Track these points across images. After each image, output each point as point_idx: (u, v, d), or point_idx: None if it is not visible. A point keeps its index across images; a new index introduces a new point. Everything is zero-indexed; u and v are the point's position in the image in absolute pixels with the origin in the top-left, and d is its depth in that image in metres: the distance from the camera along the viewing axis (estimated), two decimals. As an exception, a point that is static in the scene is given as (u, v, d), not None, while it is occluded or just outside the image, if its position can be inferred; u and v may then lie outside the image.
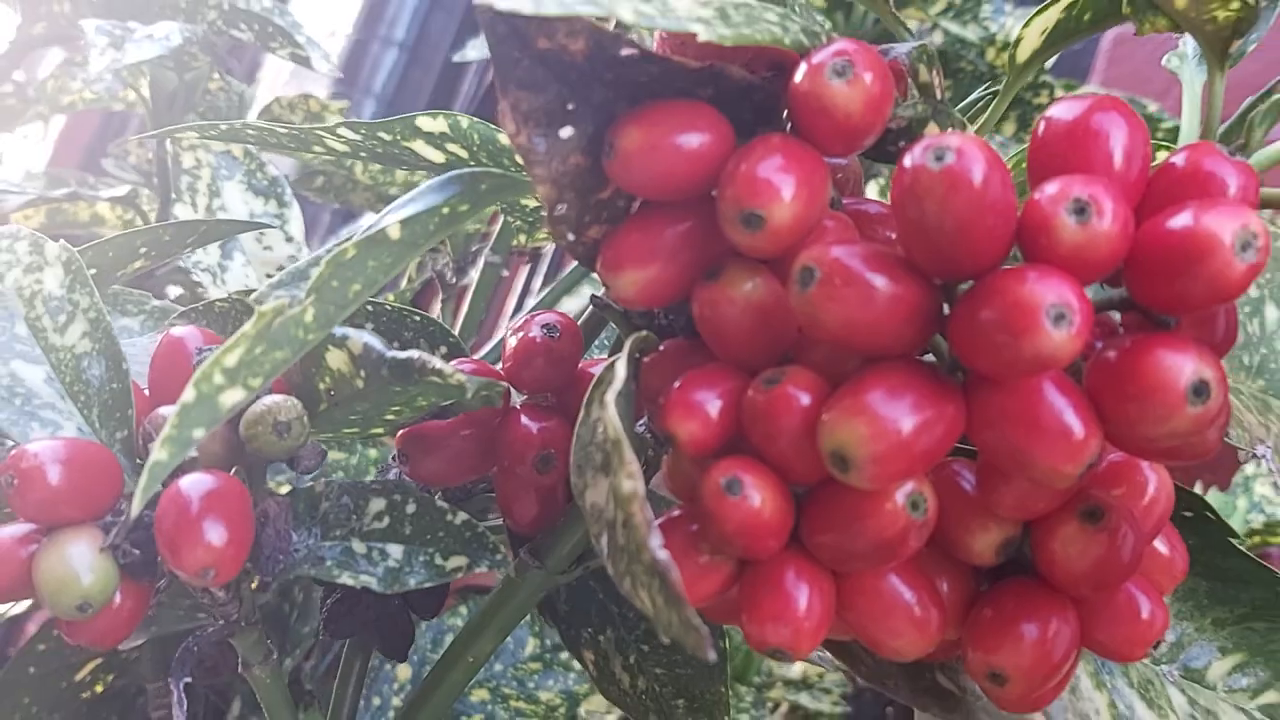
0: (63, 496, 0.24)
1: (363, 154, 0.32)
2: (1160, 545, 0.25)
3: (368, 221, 0.71)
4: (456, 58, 0.77)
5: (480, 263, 0.59)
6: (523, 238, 0.55)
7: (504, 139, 0.31)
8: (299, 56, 0.51)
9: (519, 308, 0.95)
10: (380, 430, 0.30)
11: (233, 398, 0.22)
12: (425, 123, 0.30)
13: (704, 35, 0.19)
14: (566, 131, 0.22)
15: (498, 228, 0.59)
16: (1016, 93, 0.48)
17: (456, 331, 0.59)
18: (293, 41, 0.50)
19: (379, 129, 0.30)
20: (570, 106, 0.22)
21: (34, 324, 0.28)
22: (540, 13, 0.18)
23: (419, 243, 0.24)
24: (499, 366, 0.30)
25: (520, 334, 0.29)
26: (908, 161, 0.19)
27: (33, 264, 0.28)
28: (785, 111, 0.23)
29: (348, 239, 0.23)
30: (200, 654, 0.27)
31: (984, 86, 0.28)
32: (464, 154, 0.31)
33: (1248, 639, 0.29)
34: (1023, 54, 0.26)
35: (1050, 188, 0.19)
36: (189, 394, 0.21)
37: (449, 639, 0.65)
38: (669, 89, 0.22)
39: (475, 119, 0.31)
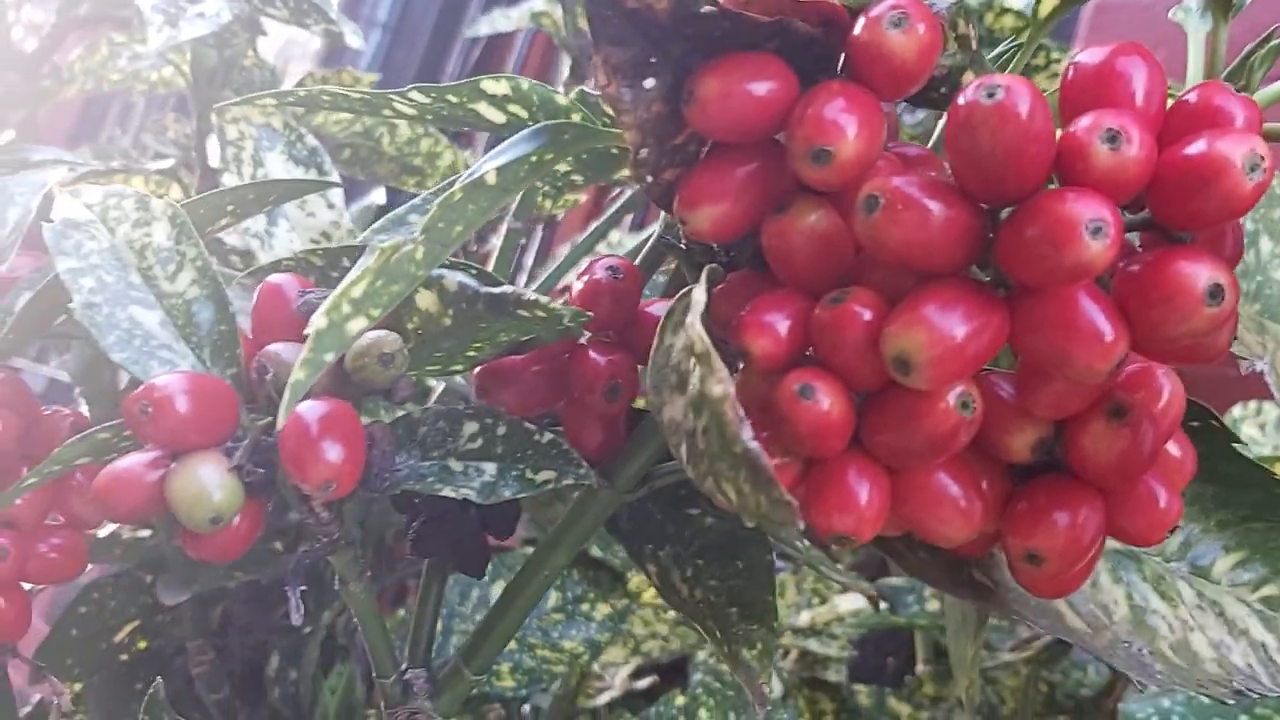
0: (190, 424, 0.27)
1: (428, 116, 0.34)
2: (1172, 448, 0.28)
3: (377, 195, 0.73)
4: (470, 33, 0.79)
5: (502, 230, 0.62)
6: (548, 203, 0.58)
7: (560, 100, 0.34)
8: (332, 32, 0.53)
9: (512, 280, 0.98)
10: (460, 366, 0.32)
11: (357, 325, 0.24)
12: (489, 85, 0.33)
13: (779, -11, 0.22)
14: (649, 82, 0.25)
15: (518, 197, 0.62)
16: (1015, 56, 0.51)
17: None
18: (326, 17, 0.53)
19: (448, 92, 0.33)
20: (652, 60, 0.25)
21: (146, 273, 0.30)
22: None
23: (510, 187, 0.27)
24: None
25: (587, 276, 0.32)
26: (962, 99, 0.22)
27: (140, 219, 0.31)
28: (840, 61, 0.25)
29: (450, 184, 0.25)
30: (305, 569, 0.29)
31: (1009, 40, 0.31)
32: (524, 114, 0.34)
33: (1249, 538, 0.32)
34: (1044, 9, 0.29)
35: (1085, 120, 0.22)
36: (321, 321, 0.24)
37: (475, 592, 0.68)
38: (739, 42, 0.25)
39: (535, 81, 0.34)
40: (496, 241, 0.63)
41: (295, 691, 0.66)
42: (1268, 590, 0.32)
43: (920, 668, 0.86)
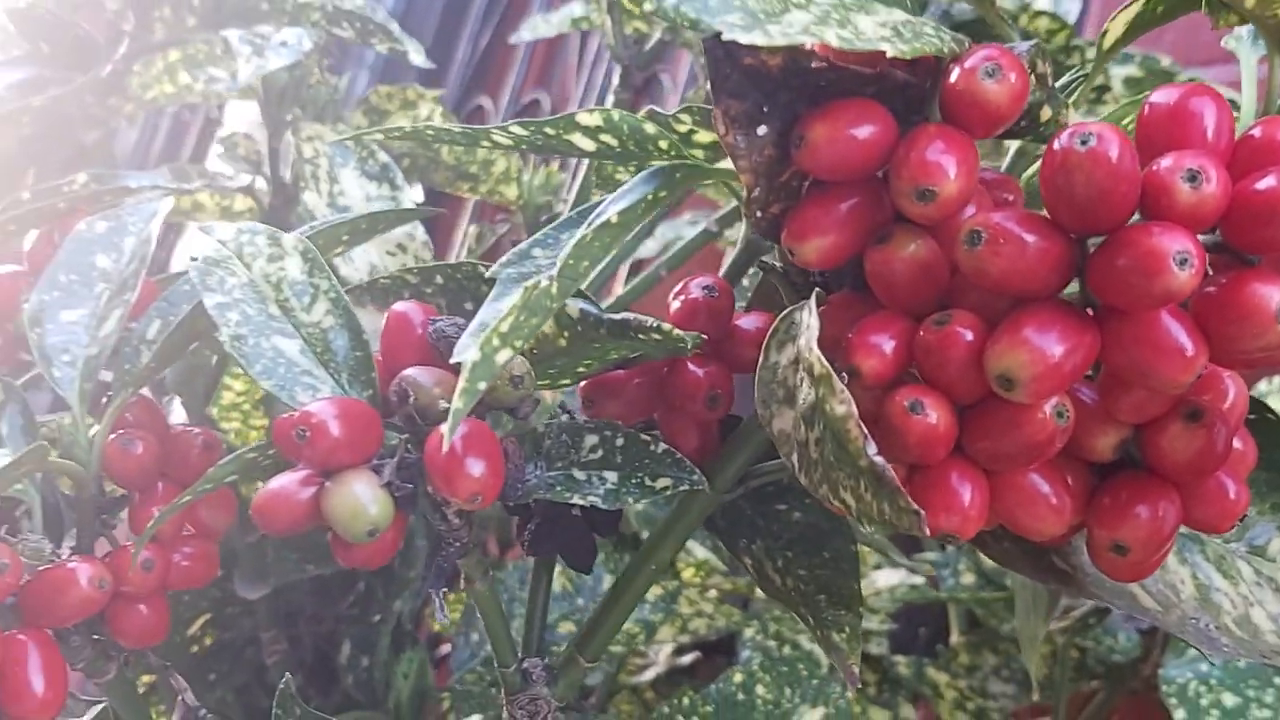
0: (342, 446, 0.30)
1: (524, 145, 0.37)
2: (1236, 442, 0.30)
3: (415, 193, 0.75)
4: (513, 39, 0.82)
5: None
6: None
7: (649, 128, 0.36)
8: (396, 50, 0.55)
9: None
10: (569, 381, 0.35)
11: (504, 356, 0.27)
12: (583, 118, 0.35)
13: (891, 52, 0.25)
14: (762, 129, 0.27)
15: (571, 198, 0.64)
16: (1051, 56, 0.53)
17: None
18: (391, 36, 0.55)
19: (545, 125, 0.35)
20: (765, 109, 0.27)
21: (283, 304, 0.33)
22: (772, 42, 0.23)
23: (630, 224, 0.29)
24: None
25: (683, 295, 0.34)
26: (1057, 145, 0.24)
27: (274, 254, 0.33)
28: (932, 103, 0.28)
29: (585, 224, 0.28)
30: (444, 573, 0.32)
31: (1074, 68, 0.33)
32: (614, 143, 0.36)
33: (1301, 517, 0.35)
34: (1108, 42, 0.31)
35: (1166, 161, 0.25)
36: (475, 354, 0.26)
37: (518, 609, 0.71)
38: (841, 90, 0.27)
39: (625, 113, 0.36)
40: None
41: (368, 677, 0.69)
42: (1319, 566, 0.34)
43: (955, 638, 0.89)
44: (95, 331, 0.37)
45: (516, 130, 0.36)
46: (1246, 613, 0.33)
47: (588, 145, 0.36)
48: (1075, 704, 0.79)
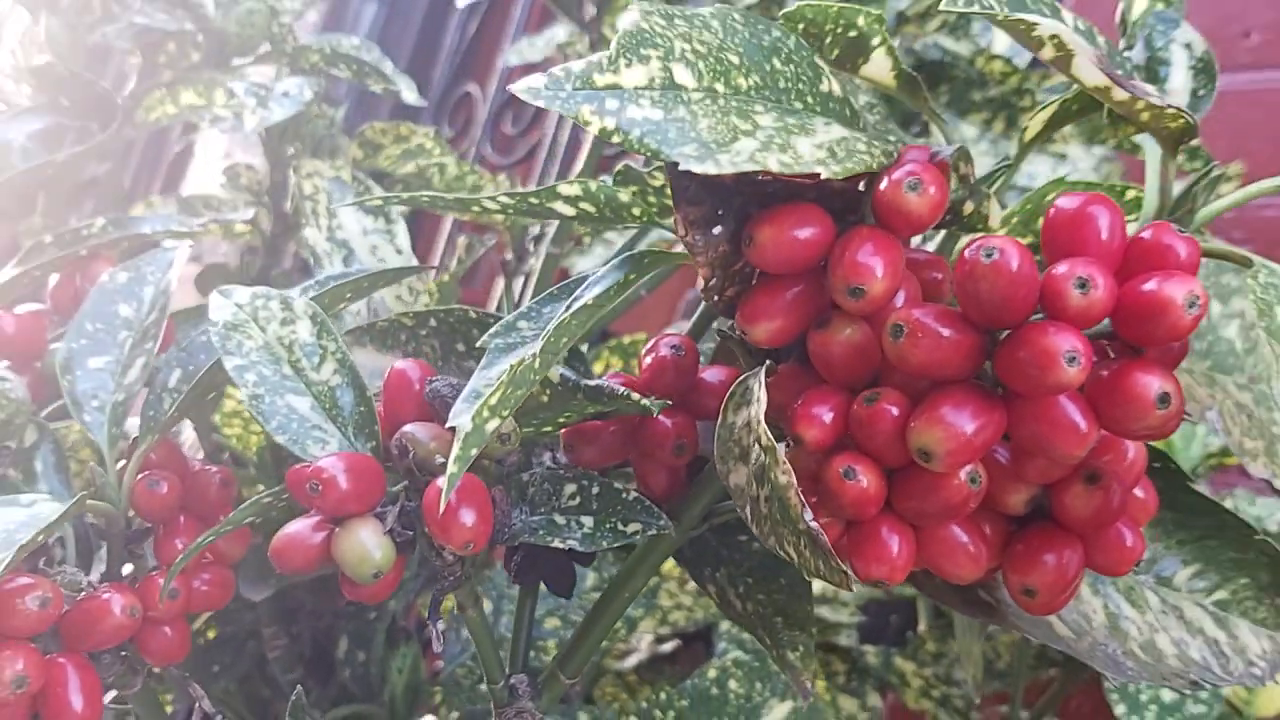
0: (349, 496, 0.34)
1: (511, 212, 0.41)
2: (1139, 491, 0.34)
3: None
4: (504, 63, 0.85)
5: (542, 252, 0.68)
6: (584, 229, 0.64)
7: (623, 197, 0.40)
8: (390, 90, 0.59)
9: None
10: (550, 430, 0.39)
11: (493, 425, 0.31)
12: (564, 189, 0.39)
13: (825, 174, 0.29)
14: (717, 230, 0.31)
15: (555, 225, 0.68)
16: (1005, 98, 0.57)
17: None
18: (384, 77, 0.59)
19: (530, 196, 0.39)
20: (719, 212, 0.31)
21: (295, 365, 0.37)
22: (721, 171, 0.27)
23: (604, 305, 0.33)
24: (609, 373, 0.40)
25: (653, 353, 0.38)
26: (967, 254, 0.28)
27: (286, 318, 0.37)
28: (866, 204, 0.32)
29: (565, 306, 0.32)
30: (438, 605, 0.36)
31: (1025, 109, 0.37)
32: (592, 209, 0.40)
33: (1203, 553, 0.39)
34: (1028, 137, 0.35)
35: (1060, 268, 0.28)
36: (468, 425, 0.30)
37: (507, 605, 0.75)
38: (785, 194, 0.31)
39: (600, 183, 0.40)
40: (536, 263, 0.70)
41: (365, 671, 0.73)
42: (1219, 595, 0.38)
43: (922, 628, 0.93)
44: (120, 379, 0.41)
45: (504, 200, 0.40)
46: (1152, 638, 0.37)
47: (568, 211, 0.40)
48: (1034, 691, 0.84)
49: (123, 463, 0.41)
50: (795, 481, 0.29)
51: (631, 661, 0.99)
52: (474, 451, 0.30)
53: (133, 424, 0.41)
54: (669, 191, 0.41)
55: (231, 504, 0.42)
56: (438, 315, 0.45)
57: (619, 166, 0.42)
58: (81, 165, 0.58)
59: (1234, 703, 0.75)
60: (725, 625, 0.85)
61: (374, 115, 1.64)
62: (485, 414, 0.30)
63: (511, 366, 0.31)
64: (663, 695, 0.65)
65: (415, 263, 0.55)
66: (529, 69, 1.52)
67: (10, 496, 0.36)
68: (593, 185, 0.40)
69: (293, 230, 0.60)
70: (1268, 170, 1.09)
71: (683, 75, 0.29)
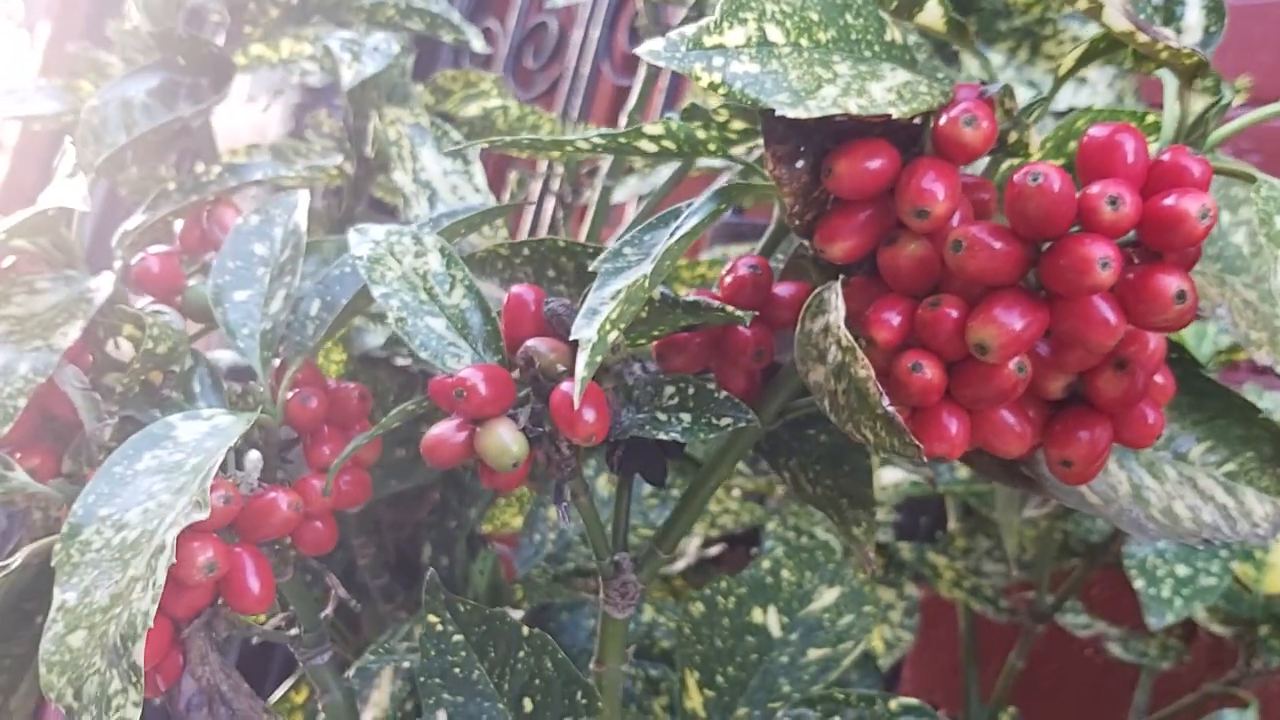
0: (488, 400, 0.40)
1: (600, 150, 0.46)
2: (1159, 378, 0.40)
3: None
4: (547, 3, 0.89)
5: (598, 185, 0.74)
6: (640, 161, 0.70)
7: (699, 134, 0.45)
8: (460, 40, 0.64)
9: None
10: (644, 342, 0.45)
11: (613, 336, 0.37)
12: (649, 129, 0.45)
13: (895, 114, 0.34)
14: (800, 164, 0.37)
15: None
16: (1028, 27, 0.62)
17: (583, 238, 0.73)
18: (454, 27, 0.64)
19: (619, 136, 0.45)
20: (801, 148, 0.37)
21: (429, 291, 0.42)
22: (810, 115, 0.33)
23: (699, 231, 0.39)
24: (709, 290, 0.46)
25: (733, 273, 0.44)
26: (1015, 179, 0.34)
27: (418, 251, 0.43)
28: (926, 138, 0.37)
29: (669, 233, 0.38)
30: (562, 490, 0.42)
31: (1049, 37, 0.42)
32: (672, 146, 0.45)
33: (1214, 431, 0.44)
34: (1063, 70, 0.40)
35: (1094, 188, 0.34)
36: (593, 336, 0.36)
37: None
38: (856, 131, 0.37)
39: (680, 123, 0.45)
40: (592, 195, 0.75)
41: (449, 574, 0.80)
42: (1229, 467, 0.44)
43: (952, 525, 1.00)
44: (265, 309, 0.46)
45: (596, 140, 0.45)
46: (1170, 505, 0.43)
47: (651, 148, 0.46)
48: (1057, 579, 0.91)
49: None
50: (873, 373, 0.35)
51: (679, 565, 1.05)
52: (599, 359, 0.36)
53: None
54: (733, 126, 0.47)
55: (367, 415, 0.48)
56: (530, 245, 0.50)
57: (686, 105, 0.47)
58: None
59: (1243, 581, 0.81)
60: (772, 525, 0.92)
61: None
62: (607, 327, 0.36)
63: (627, 286, 0.37)
64: (723, 584, 0.72)
65: (493, 199, 0.61)
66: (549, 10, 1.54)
67: (191, 411, 0.42)
68: (673, 124, 0.45)
69: (374, 173, 0.66)
70: (1274, 80, 1.15)
71: (774, 33, 0.34)
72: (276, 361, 0.46)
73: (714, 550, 1.05)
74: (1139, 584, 0.70)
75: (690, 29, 0.33)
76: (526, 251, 0.50)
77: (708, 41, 0.33)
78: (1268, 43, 1.07)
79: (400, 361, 0.72)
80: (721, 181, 0.48)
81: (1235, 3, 1.18)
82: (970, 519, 0.98)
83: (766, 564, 0.74)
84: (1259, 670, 0.83)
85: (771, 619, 0.71)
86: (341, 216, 0.67)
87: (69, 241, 0.49)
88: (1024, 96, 0.63)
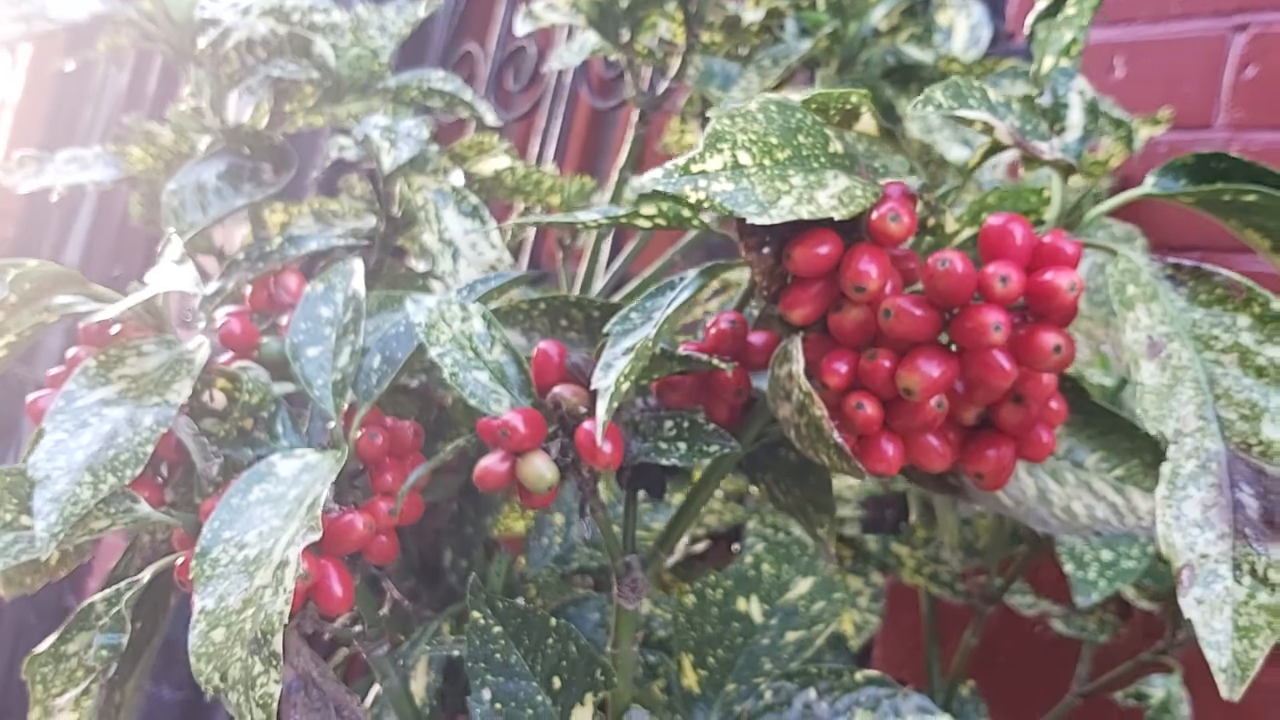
0: (527, 437, 0.50)
1: (603, 226, 0.57)
2: (1054, 403, 0.51)
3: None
4: (544, 69, 1.00)
5: (592, 234, 0.84)
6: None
7: (685, 213, 0.56)
8: (476, 115, 0.74)
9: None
10: (645, 382, 0.55)
11: (626, 386, 0.48)
12: (645, 209, 0.55)
13: (837, 216, 0.45)
14: (766, 250, 0.47)
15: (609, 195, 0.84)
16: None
17: (579, 279, 0.84)
18: (469, 105, 0.74)
19: (620, 217, 0.55)
20: (767, 239, 0.47)
21: (474, 350, 0.53)
22: (773, 221, 0.44)
23: (691, 302, 0.49)
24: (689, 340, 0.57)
25: (716, 325, 0.55)
26: (930, 263, 0.45)
27: (464, 317, 0.54)
28: (863, 227, 0.48)
29: (668, 303, 0.48)
30: (584, 507, 0.53)
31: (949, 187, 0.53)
32: (664, 222, 0.56)
33: (1105, 443, 0.55)
34: (971, 164, 0.51)
35: (990, 268, 0.45)
36: (611, 386, 0.47)
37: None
38: (809, 224, 0.47)
39: (670, 204, 0.56)
40: (588, 239, 0.86)
41: (468, 575, 0.90)
42: (1118, 472, 0.55)
43: (913, 518, 1.11)
44: (334, 362, 0.57)
45: (603, 220, 0.56)
46: (1069, 504, 0.54)
47: (647, 224, 0.56)
48: (1006, 564, 1.02)
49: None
50: (826, 413, 0.46)
51: (669, 561, 1.15)
52: (615, 405, 0.47)
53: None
54: (702, 205, 0.58)
55: (420, 449, 0.59)
56: (546, 300, 0.61)
57: (651, 190, 0.57)
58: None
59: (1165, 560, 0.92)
60: (752, 524, 1.02)
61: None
62: (622, 379, 0.47)
63: (636, 346, 0.47)
64: (711, 578, 0.83)
65: (507, 253, 0.72)
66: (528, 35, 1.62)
67: (285, 450, 0.52)
68: (664, 205, 0.56)
69: (401, 230, 0.76)
70: (1196, 110, 1.27)
71: (744, 158, 0.45)
72: (345, 406, 0.57)
73: (700, 547, 1.16)
74: (1068, 568, 0.81)
75: (680, 160, 0.44)
76: (542, 305, 0.61)
77: (694, 169, 0.44)
78: (1190, 74, 1.18)
79: (413, 384, 0.83)
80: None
81: (1160, 36, 1.33)
82: (930, 513, 1.09)
83: (749, 559, 0.85)
84: (1183, 640, 0.95)
85: (754, 607, 0.81)
86: (373, 268, 0.77)
87: (159, 309, 0.60)
88: (959, 154, 0.74)
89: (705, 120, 0.83)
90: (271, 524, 0.49)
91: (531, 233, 0.96)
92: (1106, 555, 0.83)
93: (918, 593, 1.07)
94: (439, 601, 0.92)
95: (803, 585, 0.84)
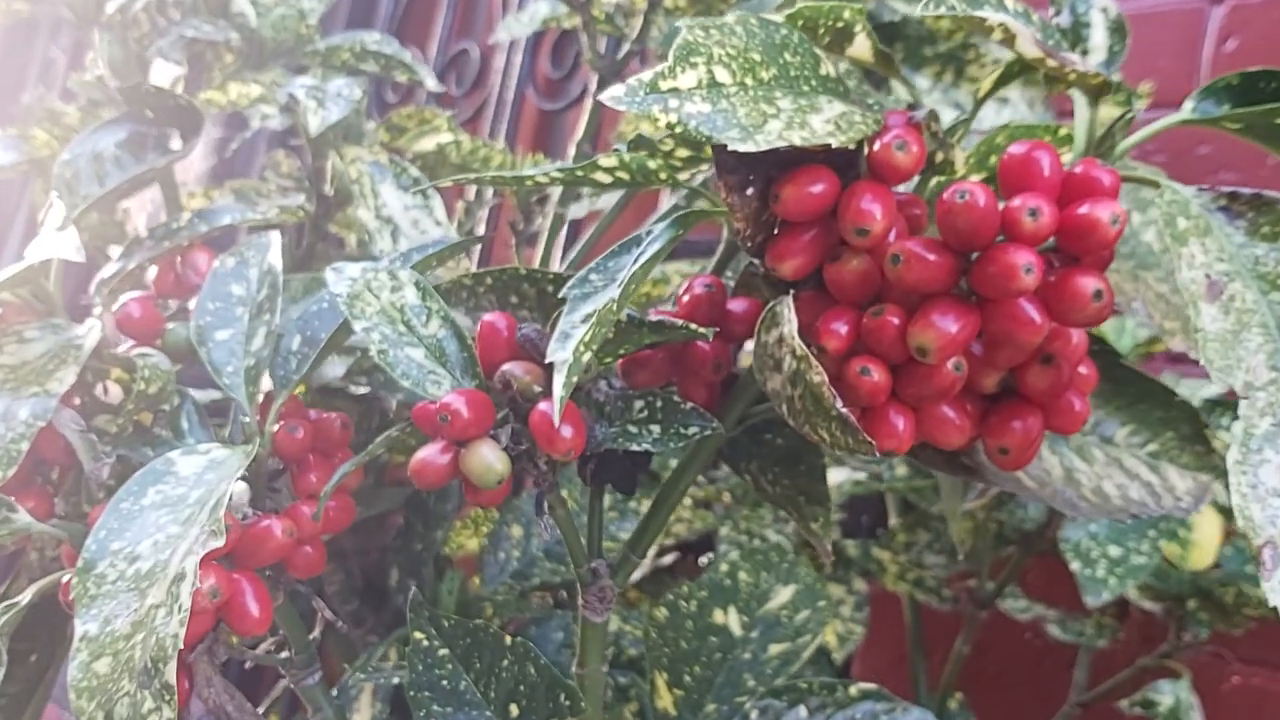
0: (471, 423, 0.43)
1: (558, 183, 0.50)
2: (1082, 369, 0.44)
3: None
4: (490, 40, 0.92)
5: (549, 212, 0.77)
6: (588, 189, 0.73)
7: (651, 164, 0.49)
8: (414, 79, 0.67)
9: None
10: (610, 359, 0.48)
11: (587, 357, 0.40)
12: (604, 161, 0.48)
13: (834, 143, 0.38)
14: (749, 191, 0.40)
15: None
16: (952, 52, 0.66)
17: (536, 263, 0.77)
18: (408, 68, 0.67)
19: (576, 170, 0.48)
20: (750, 177, 0.40)
21: (407, 324, 0.45)
22: (759, 148, 0.36)
23: (660, 256, 0.42)
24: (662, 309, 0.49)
25: (690, 292, 0.47)
26: (945, 196, 0.38)
27: (394, 286, 0.46)
28: (861, 161, 0.41)
29: (633, 259, 0.41)
30: (541, 503, 0.45)
31: (971, 61, 0.47)
32: (626, 176, 0.49)
33: (1136, 414, 0.49)
34: (982, 92, 0.44)
35: (1016, 201, 0.38)
36: (569, 357, 0.39)
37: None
38: (799, 158, 0.40)
39: (633, 155, 0.49)
40: (545, 222, 0.78)
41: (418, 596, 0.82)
42: (1151, 447, 0.48)
43: (892, 521, 1.04)
44: (247, 346, 0.49)
45: (555, 174, 0.48)
46: (1099, 485, 0.47)
47: (606, 179, 0.49)
48: (996, 567, 0.95)
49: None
50: (826, 378, 0.38)
51: (635, 576, 1.08)
52: (575, 379, 0.39)
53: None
54: (678, 154, 0.50)
55: (349, 443, 0.51)
56: (493, 274, 0.53)
57: (633, 136, 0.50)
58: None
59: (1170, 558, 0.86)
60: (725, 530, 0.95)
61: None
62: (581, 349, 0.39)
63: (598, 310, 0.40)
64: (685, 589, 0.75)
65: (453, 230, 0.64)
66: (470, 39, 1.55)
67: (189, 448, 0.44)
68: (626, 156, 0.48)
69: (333, 210, 0.68)
70: (1175, 85, 1.21)
71: (722, 74, 0.38)
72: (261, 395, 0.49)
73: (668, 559, 1.08)
74: (1075, 565, 0.74)
75: (647, 75, 0.36)
76: (490, 280, 0.53)
77: (663, 85, 0.36)
78: (1168, 49, 1.12)
79: (358, 390, 0.75)
80: (669, 202, 0.51)
81: (1137, 10, 1.26)
82: (910, 514, 1.02)
83: (724, 567, 0.78)
84: (1189, 643, 0.88)
85: (732, 619, 0.74)
86: (302, 253, 0.69)
87: (49, 292, 0.52)
88: (950, 117, 0.67)
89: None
90: (169, 531, 0.40)
91: (482, 226, 0.89)
92: (1115, 551, 0.76)
93: (899, 599, 1.01)
94: (385, 626, 0.83)
95: (784, 594, 0.77)
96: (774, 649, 0.72)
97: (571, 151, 0.75)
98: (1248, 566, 0.88)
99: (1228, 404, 0.84)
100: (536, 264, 0.77)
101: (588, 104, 1.47)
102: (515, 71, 1.56)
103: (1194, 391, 0.88)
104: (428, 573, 0.81)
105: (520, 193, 0.78)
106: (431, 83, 0.67)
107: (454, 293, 0.54)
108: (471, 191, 0.86)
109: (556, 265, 0.80)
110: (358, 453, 0.46)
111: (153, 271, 0.57)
